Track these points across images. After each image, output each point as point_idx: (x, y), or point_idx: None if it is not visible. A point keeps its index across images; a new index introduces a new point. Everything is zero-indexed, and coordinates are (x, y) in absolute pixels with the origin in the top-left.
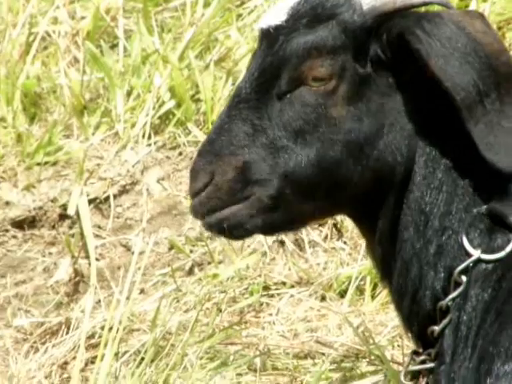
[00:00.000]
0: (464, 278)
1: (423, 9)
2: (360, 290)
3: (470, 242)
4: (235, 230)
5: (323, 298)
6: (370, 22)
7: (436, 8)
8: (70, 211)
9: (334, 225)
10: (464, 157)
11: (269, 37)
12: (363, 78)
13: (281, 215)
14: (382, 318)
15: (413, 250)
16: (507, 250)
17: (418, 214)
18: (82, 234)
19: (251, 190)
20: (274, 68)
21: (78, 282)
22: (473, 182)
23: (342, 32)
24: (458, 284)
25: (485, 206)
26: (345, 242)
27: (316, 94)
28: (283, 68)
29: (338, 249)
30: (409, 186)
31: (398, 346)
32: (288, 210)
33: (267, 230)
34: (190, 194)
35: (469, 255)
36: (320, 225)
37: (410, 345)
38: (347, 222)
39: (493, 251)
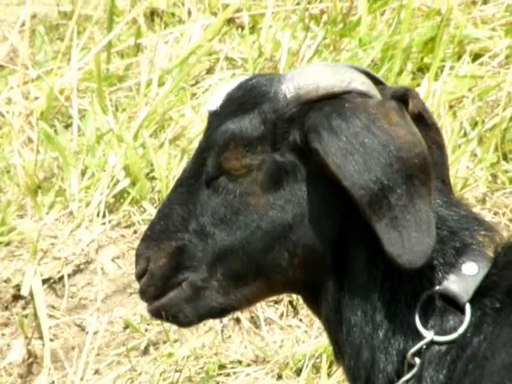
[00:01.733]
0: (417, 360)
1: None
2: (316, 368)
3: (423, 324)
4: (177, 318)
5: (280, 377)
6: (293, 110)
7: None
8: (24, 291)
9: (290, 302)
10: None
11: (208, 121)
12: (283, 166)
13: (219, 299)
14: None
15: (362, 334)
16: (460, 331)
17: (364, 300)
18: (35, 315)
19: (183, 276)
20: (205, 154)
21: (31, 364)
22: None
23: (261, 122)
24: (411, 366)
25: (436, 288)
26: (300, 320)
27: (235, 183)
28: (209, 155)
29: (293, 326)
30: (348, 273)
31: None
32: (224, 293)
33: (210, 315)
34: (136, 279)
35: (421, 337)
36: (276, 302)
37: None
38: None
39: (445, 333)
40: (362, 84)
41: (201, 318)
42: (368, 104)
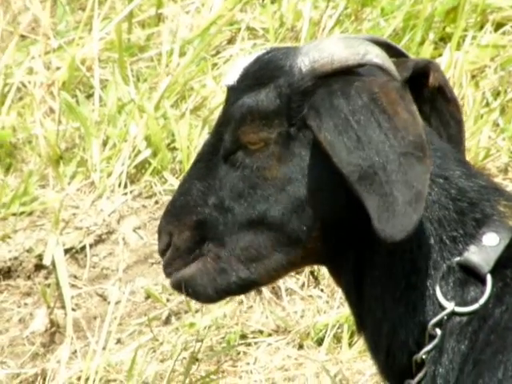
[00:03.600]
0: (438, 331)
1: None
2: (337, 338)
3: (444, 295)
4: (197, 292)
5: (301, 347)
6: (308, 84)
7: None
8: (46, 261)
9: (311, 272)
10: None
11: (226, 96)
12: (299, 140)
13: (240, 273)
14: (360, 366)
15: (383, 306)
16: (481, 302)
17: (384, 273)
18: (57, 284)
19: (207, 248)
20: (223, 129)
21: (53, 333)
22: (440, 236)
23: (277, 96)
24: (432, 337)
25: (457, 259)
26: (322, 290)
27: (252, 157)
28: (226, 130)
29: (315, 297)
30: (368, 245)
31: None
32: (246, 267)
33: (230, 290)
34: (159, 255)
35: (442, 308)
36: (297, 273)
37: None
38: (324, 270)
39: (467, 304)
40: (376, 57)
41: (220, 293)
42: (374, 83)
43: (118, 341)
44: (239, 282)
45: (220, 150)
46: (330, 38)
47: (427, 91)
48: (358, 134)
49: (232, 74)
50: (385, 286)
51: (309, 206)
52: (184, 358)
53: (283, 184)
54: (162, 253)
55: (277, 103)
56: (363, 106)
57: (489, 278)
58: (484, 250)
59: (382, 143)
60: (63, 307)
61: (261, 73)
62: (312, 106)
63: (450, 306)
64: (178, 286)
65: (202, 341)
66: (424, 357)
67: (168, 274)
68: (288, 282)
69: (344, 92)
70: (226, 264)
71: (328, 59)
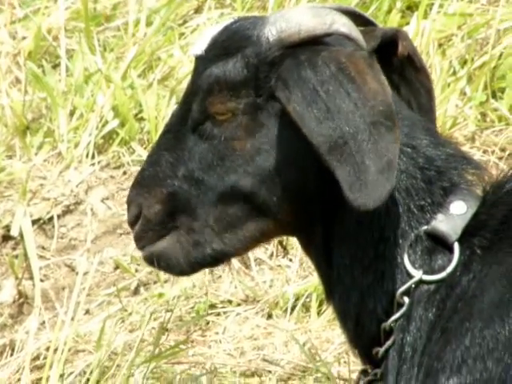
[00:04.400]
0: (406, 300)
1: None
2: (306, 307)
3: (412, 263)
4: (169, 265)
5: (269, 316)
6: (275, 54)
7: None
8: (14, 232)
9: (280, 242)
10: None
11: (194, 66)
12: (266, 110)
13: (213, 244)
14: (329, 335)
15: (351, 275)
16: (448, 270)
17: (352, 242)
18: (25, 255)
19: (178, 221)
20: (191, 99)
21: (22, 304)
22: (407, 205)
23: (244, 66)
24: (400, 305)
25: (424, 227)
26: (290, 260)
27: (220, 128)
28: (194, 100)
29: (283, 266)
30: (336, 215)
31: (345, 362)
32: (219, 238)
33: (205, 263)
34: (128, 226)
35: (410, 277)
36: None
37: (356, 362)
38: (292, 240)
39: (434, 272)
40: (343, 26)
41: (193, 266)
42: (341, 53)
43: (87, 311)
44: (213, 254)
45: (188, 121)
46: (297, 8)
47: (396, 60)
48: (327, 105)
49: (200, 44)
50: (353, 255)
51: (278, 176)
52: (153, 328)
53: (252, 155)
54: (132, 224)
55: (244, 73)
56: (331, 76)
57: (456, 247)
58: (451, 219)
59: (351, 113)
60: (31, 278)
61: (228, 42)
62: (280, 77)
63: (417, 275)
64: (151, 260)
65: (171, 311)
66: (392, 325)
67: (140, 248)
68: (257, 251)
69: (311, 62)
70: (199, 236)
71: (295, 29)
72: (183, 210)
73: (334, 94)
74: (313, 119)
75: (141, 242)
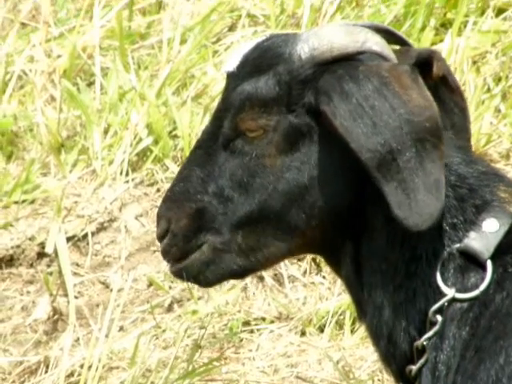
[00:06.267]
0: (439, 318)
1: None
2: (339, 325)
3: (444, 281)
4: (198, 279)
5: (303, 333)
6: (308, 72)
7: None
8: (48, 249)
9: (313, 259)
10: None
11: (226, 83)
12: (298, 128)
13: (239, 261)
14: (362, 352)
15: (383, 294)
16: (481, 288)
17: (383, 261)
18: (60, 272)
19: (205, 238)
20: (222, 116)
21: (56, 321)
22: (440, 223)
23: (276, 84)
24: (433, 324)
25: (457, 245)
26: (324, 277)
27: (251, 145)
28: (226, 117)
29: (317, 283)
30: (367, 233)
31: (379, 380)
32: (245, 255)
33: (231, 275)
34: (157, 239)
35: (443, 295)
36: (299, 259)
37: (390, 380)
38: None
39: (467, 290)
40: (376, 44)
41: (221, 279)
42: (381, 67)
43: (121, 328)
44: (239, 270)
45: (219, 138)
46: (329, 25)
47: (430, 81)
48: (373, 120)
49: (232, 61)
50: (385, 273)
51: (308, 194)
52: (187, 345)
53: (282, 172)
54: (160, 238)
55: (276, 90)
56: (374, 91)
57: (489, 264)
58: (484, 236)
59: (398, 129)
60: (66, 295)
61: (260, 60)
62: (322, 92)
63: (450, 293)
64: (179, 274)
65: (204, 328)
66: (425, 343)
67: (167, 261)
68: (290, 268)
69: (352, 76)
70: (225, 252)
71: (328, 47)
72: (211, 226)
73: (380, 110)
74: (360, 134)
75: (167, 256)
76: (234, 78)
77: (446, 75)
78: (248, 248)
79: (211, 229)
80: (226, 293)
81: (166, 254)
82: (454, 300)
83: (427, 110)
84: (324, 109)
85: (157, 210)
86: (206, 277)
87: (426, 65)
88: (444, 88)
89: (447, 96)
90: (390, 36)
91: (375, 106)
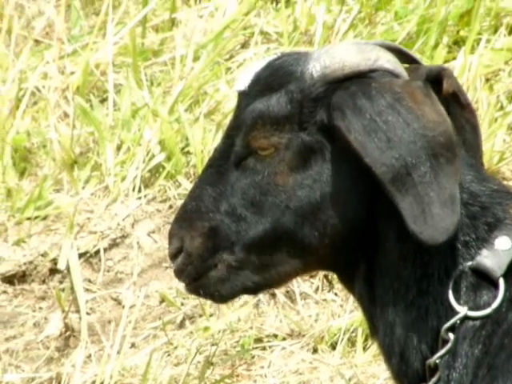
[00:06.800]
0: (451, 336)
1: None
2: (352, 342)
3: (456, 299)
4: (214, 296)
5: (315, 350)
6: (319, 90)
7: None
8: (61, 265)
9: (325, 276)
10: None
11: (237, 101)
12: (311, 145)
13: (253, 278)
14: (375, 370)
15: (395, 312)
16: (493, 306)
17: (395, 278)
18: (72, 289)
19: (220, 256)
20: (234, 134)
21: (68, 337)
22: (452, 240)
23: (288, 102)
24: (445, 342)
25: (469, 263)
26: (336, 294)
27: (263, 163)
28: (237, 135)
29: (329, 300)
30: (378, 251)
31: None
32: (259, 272)
33: (245, 292)
34: (169, 258)
35: (455, 313)
36: (311, 276)
37: None
38: None
39: (479, 308)
40: (387, 62)
41: (235, 295)
42: (394, 83)
43: (133, 345)
44: (253, 287)
45: (231, 156)
46: (341, 44)
47: (441, 98)
48: (387, 135)
49: (243, 80)
50: (396, 291)
51: (320, 212)
52: (198, 361)
53: (294, 190)
54: (172, 257)
55: (288, 108)
56: (388, 106)
57: (501, 282)
58: (496, 254)
59: (412, 144)
60: (78, 311)
61: (272, 78)
62: (335, 107)
63: (462, 311)
64: (195, 292)
65: (216, 345)
66: (437, 361)
67: (182, 280)
68: (302, 285)
69: (365, 92)
70: (239, 271)
71: (339, 65)
72: (224, 245)
73: (394, 124)
74: (375, 149)
75: (181, 275)
76: (245, 97)
77: (457, 92)
78: (262, 265)
79: (225, 248)
80: (238, 309)
81: (180, 273)
82: (466, 318)
83: (441, 124)
84: (338, 124)
85: (169, 227)
86: (220, 293)
87: (436, 82)
88: (455, 105)
89: (458, 113)
90: (401, 55)
91: (389, 121)
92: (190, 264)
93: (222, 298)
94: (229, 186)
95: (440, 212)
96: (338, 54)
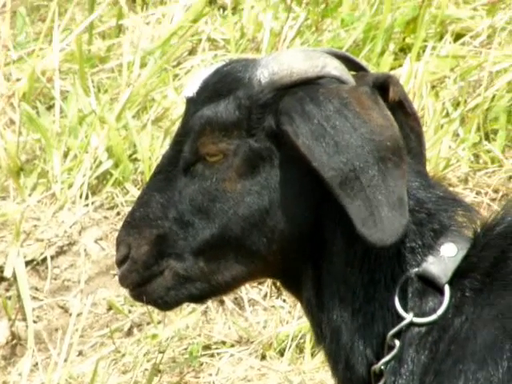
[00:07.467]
0: (397, 342)
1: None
2: (300, 348)
3: (402, 306)
4: (158, 303)
5: (263, 357)
6: (267, 96)
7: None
8: (7, 273)
9: (274, 283)
10: None
11: (186, 107)
12: (259, 152)
13: (200, 285)
14: (323, 376)
15: (341, 318)
16: (439, 312)
17: (342, 284)
18: (19, 297)
19: (166, 264)
20: (182, 140)
21: (15, 345)
22: (398, 247)
23: (236, 108)
24: (391, 348)
25: (415, 270)
26: (284, 300)
27: (211, 169)
28: (186, 141)
29: (277, 307)
30: (326, 256)
31: None
32: (206, 280)
33: (190, 300)
34: (116, 265)
35: (401, 319)
36: (259, 283)
37: None
38: None
39: (425, 314)
40: (335, 69)
41: (180, 302)
42: (341, 89)
43: (80, 353)
44: (198, 294)
45: (179, 162)
46: (288, 51)
47: (387, 105)
48: (335, 139)
49: (191, 86)
50: (343, 297)
51: (268, 218)
52: (146, 369)
53: (242, 196)
54: (119, 263)
55: (236, 115)
56: (335, 112)
57: (447, 289)
58: (442, 261)
59: (360, 148)
60: (24, 319)
61: (220, 85)
62: (283, 112)
63: (408, 317)
64: (139, 298)
65: (164, 352)
66: (383, 367)
67: (126, 286)
68: (250, 292)
69: (312, 98)
70: (185, 278)
71: (287, 71)
72: (172, 251)
73: (341, 129)
74: (323, 153)
75: (125, 281)
76: (193, 103)
77: (403, 100)
78: (209, 272)
79: (172, 254)
80: (186, 316)
81: (124, 279)
82: (412, 324)
83: (388, 129)
84: (286, 129)
85: (117, 234)
86: (164, 300)
87: (382, 89)
88: (400, 113)
89: (403, 121)
90: (347, 62)
91: (336, 126)
92: (134, 271)
93: (165, 304)
94: (177, 192)
95: (389, 215)
96: (285, 60)
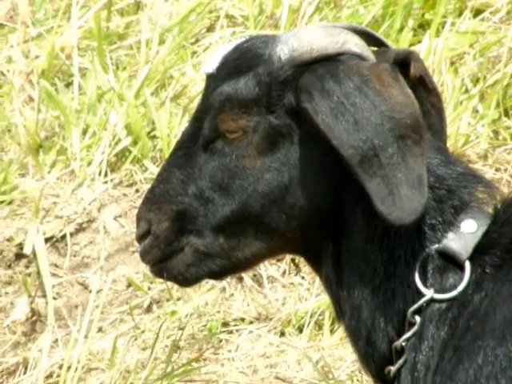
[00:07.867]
0: (418, 318)
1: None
2: (319, 325)
3: (423, 282)
4: (178, 279)
5: (282, 334)
6: (287, 73)
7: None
8: (27, 250)
9: (292, 260)
10: None
11: (206, 84)
12: (278, 128)
13: (220, 262)
14: (341, 353)
15: (362, 295)
16: (459, 288)
17: (362, 261)
18: (38, 273)
19: (186, 240)
20: (202, 117)
21: (35, 322)
22: (418, 223)
23: (256, 85)
24: (411, 324)
25: (435, 246)
26: (303, 277)
27: (231, 146)
28: (206, 118)
29: (296, 284)
30: (346, 234)
31: (358, 380)
32: (226, 256)
33: (210, 276)
34: (136, 240)
35: (421, 295)
36: (278, 260)
37: (369, 380)
38: None
39: (445, 290)
40: (355, 45)
41: (200, 279)
42: (361, 66)
43: (100, 329)
44: (218, 270)
45: (199, 139)
46: (309, 27)
47: (408, 81)
48: (354, 117)
49: (211, 62)
50: (363, 274)
51: (288, 194)
52: (166, 345)
53: (262, 173)
54: (140, 239)
55: (256, 91)
56: (355, 89)
57: (467, 265)
58: (462, 237)
59: (379, 126)
60: (44, 296)
61: (240, 61)
62: (303, 89)
63: (428, 293)
64: (159, 274)
65: (183, 329)
66: (404, 344)
67: (147, 262)
68: (269, 269)
69: (333, 75)
70: (205, 254)
71: (307, 48)
72: (192, 227)
73: (361, 107)
74: (342, 131)
75: (146, 257)
76: (213, 80)
77: (424, 76)
78: (229, 248)
79: (193, 230)
80: (205, 293)
81: (145, 254)
82: (432, 300)
83: (408, 107)
84: (305, 106)
85: (136, 211)
86: (184, 276)
87: (403, 65)
88: (421, 89)
89: (424, 97)
90: (368, 38)
91: (356, 104)
92: (156, 246)
93: (185, 281)
94: (197, 169)
95: (408, 193)
96: (306, 37)
